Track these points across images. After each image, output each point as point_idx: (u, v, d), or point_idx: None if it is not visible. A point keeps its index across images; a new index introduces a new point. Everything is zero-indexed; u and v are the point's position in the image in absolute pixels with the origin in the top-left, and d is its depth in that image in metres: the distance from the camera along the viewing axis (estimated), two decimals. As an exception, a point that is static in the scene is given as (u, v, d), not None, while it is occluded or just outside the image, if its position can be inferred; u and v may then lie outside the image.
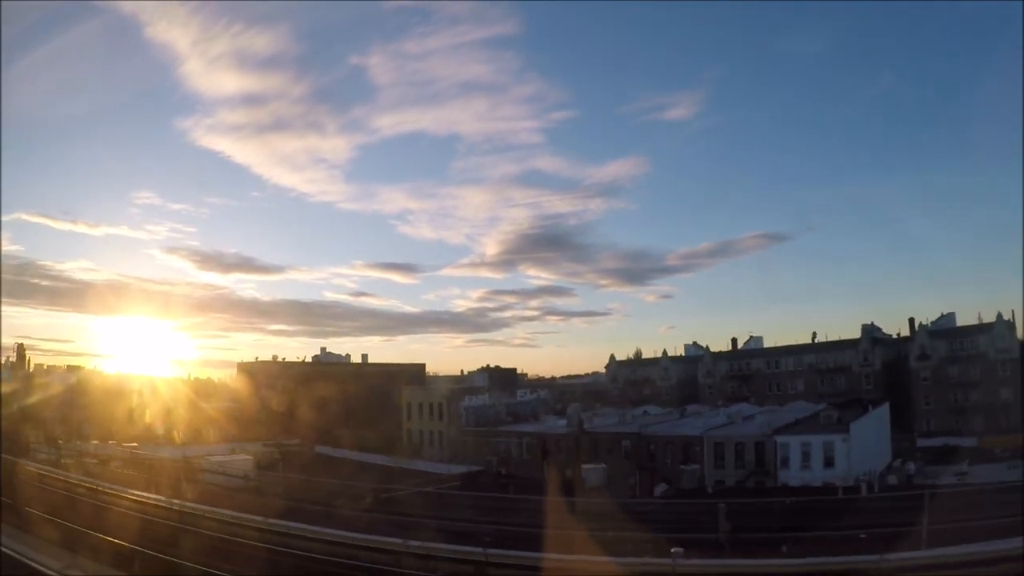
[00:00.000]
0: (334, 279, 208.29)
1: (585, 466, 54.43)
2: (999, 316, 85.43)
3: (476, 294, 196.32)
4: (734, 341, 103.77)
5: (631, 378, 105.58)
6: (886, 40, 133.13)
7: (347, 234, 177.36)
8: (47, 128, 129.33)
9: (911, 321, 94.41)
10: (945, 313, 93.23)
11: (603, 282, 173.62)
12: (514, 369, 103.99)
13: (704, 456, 63.91)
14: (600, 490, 50.08)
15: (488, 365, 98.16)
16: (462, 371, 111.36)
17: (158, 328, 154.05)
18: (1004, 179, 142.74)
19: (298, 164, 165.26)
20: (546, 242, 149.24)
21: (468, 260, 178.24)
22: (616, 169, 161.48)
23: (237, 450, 70.11)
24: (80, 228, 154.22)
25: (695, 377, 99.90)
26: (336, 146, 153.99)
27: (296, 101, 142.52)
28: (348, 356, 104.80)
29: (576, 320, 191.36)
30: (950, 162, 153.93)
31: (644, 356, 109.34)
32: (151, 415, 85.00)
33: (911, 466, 64.44)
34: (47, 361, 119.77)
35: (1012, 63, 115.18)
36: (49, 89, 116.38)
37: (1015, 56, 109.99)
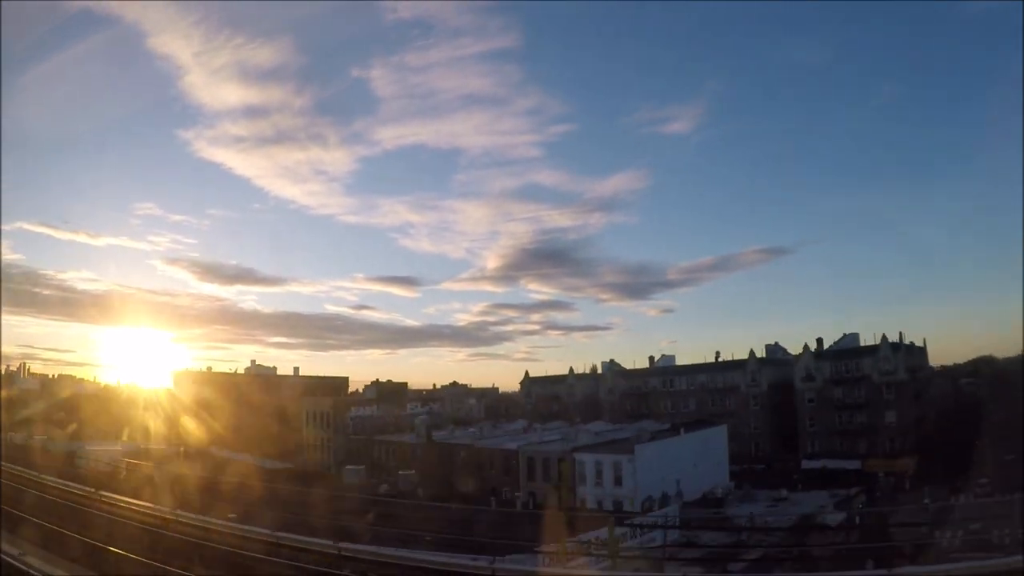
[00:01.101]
0: (335, 292, 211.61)
1: (348, 467, 58.75)
2: (883, 338, 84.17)
3: (477, 308, 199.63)
4: (650, 359, 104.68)
5: (542, 394, 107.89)
6: (886, 49, 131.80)
7: (348, 247, 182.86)
8: (49, 138, 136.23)
9: (819, 341, 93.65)
10: (848, 333, 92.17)
11: (604, 296, 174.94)
12: (404, 384, 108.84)
13: (519, 468, 67.01)
14: (354, 487, 54.97)
15: (377, 380, 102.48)
16: (468, 385, 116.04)
17: (159, 339, 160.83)
18: (1011, 187, 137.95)
19: (299, 176, 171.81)
20: (547, 256, 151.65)
21: (469, 274, 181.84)
22: (616, 183, 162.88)
23: (138, 448, 78.63)
24: (81, 238, 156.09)
25: (597, 395, 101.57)
26: (337, 158, 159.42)
27: (298, 113, 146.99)
28: (275, 368, 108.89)
29: (577, 334, 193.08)
30: (953, 170, 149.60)
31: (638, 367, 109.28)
32: (99, 418, 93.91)
33: (719, 489, 65.80)
34: (50, 371, 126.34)
35: (1015, 68, 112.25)
36: (51, 100, 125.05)
37: (1017, 60, 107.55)
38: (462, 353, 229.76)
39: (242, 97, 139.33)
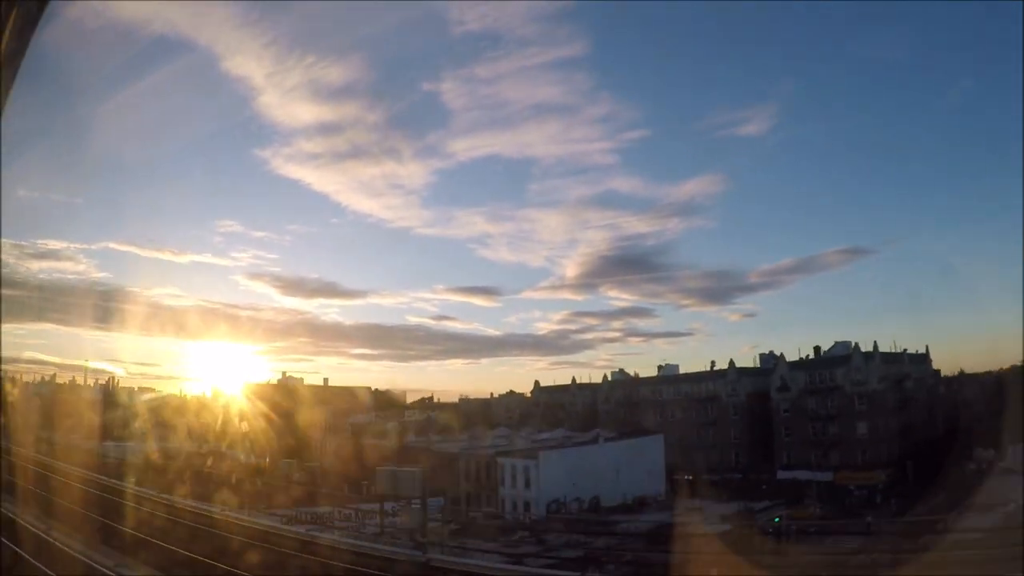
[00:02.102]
0: (415, 303, 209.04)
1: (286, 459, 68.39)
2: (855, 347, 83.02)
3: (557, 316, 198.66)
4: (658, 368, 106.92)
5: (549, 402, 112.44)
6: (966, 43, 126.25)
7: (427, 258, 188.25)
8: (132, 162, 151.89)
9: (816, 349, 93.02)
10: (839, 341, 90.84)
11: (685, 302, 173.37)
12: (403, 392, 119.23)
13: (459, 469, 73.49)
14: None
15: (374, 389, 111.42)
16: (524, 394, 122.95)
17: (242, 352, 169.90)
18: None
19: (376, 190, 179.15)
20: (625, 263, 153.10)
21: (548, 283, 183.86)
22: (693, 187, 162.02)
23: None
24: (166, 256, 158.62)
25: (596, 404, 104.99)
26: (412, 172, 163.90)
27: (371, 128, 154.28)
28: (302, 379, 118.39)
29: (658, 341, 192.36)
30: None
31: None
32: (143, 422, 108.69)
33: (649, 496, 69.25)
34: (136, 383, 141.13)
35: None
36: (133, 125, 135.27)
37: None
38: (544, 362, 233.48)
39: (316, 114, 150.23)
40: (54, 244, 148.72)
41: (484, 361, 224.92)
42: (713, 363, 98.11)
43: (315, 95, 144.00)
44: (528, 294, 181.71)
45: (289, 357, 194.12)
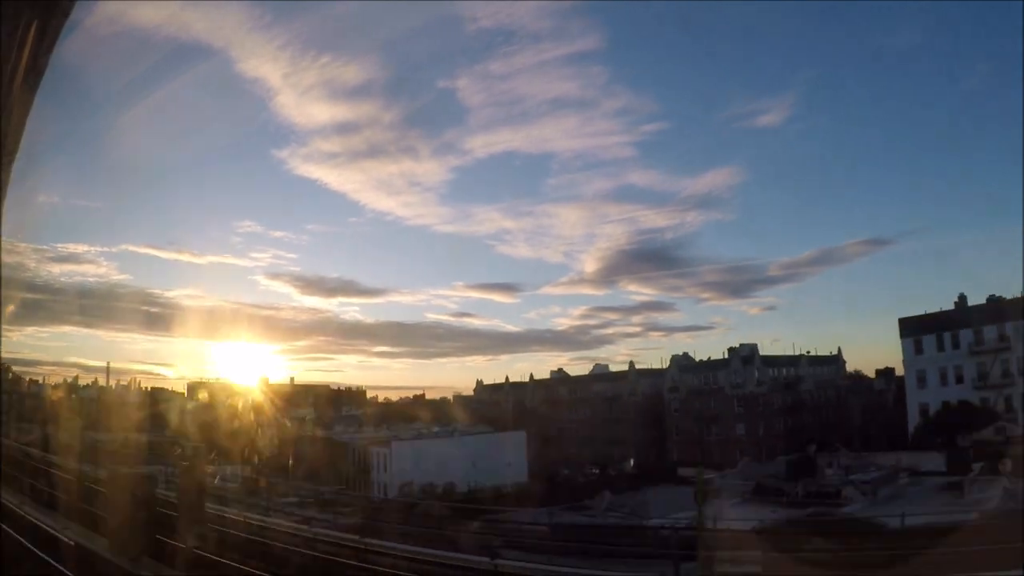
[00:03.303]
0: (435, 300, 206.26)
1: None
2: (732, 351, 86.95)
3: (577, 312, 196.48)
4: (594, 366, 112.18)
5: (487, 400, 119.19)
6: (989, 29, 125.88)
7: (446, 256, 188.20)
8: (152, 166, 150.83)
9: (730, 350, 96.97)
10: (744, 343, 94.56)
11: (705, 295, 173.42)
12: (342, 389, 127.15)
13: (346, 456, 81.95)
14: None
15: (310, 385, 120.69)
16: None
17: (264, 351, 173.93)
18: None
19: (394, 188, 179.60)
20: (645, 257, 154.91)
21: (567, 278, 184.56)
22: (711, 180, 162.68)
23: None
24: (186, 257, 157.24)
25: (524, 402, 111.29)
26: (430, 169, 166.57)
27: (388, 127, 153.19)
28: (292, 380, 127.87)
29: (679, 335, 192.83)
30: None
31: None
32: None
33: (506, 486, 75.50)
34: (154, 383, 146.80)
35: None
36: (151, 130, 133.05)
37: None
38: (564, 357, 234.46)
39: (332, 114, 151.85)
40: (75, 247, 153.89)
41: (504, 357, 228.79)
42: (632, 363, 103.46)
43: (331, 95, 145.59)
44: (547, 290, 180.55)
45: (310, 356, 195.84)
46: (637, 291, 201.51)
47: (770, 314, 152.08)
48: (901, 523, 27.43)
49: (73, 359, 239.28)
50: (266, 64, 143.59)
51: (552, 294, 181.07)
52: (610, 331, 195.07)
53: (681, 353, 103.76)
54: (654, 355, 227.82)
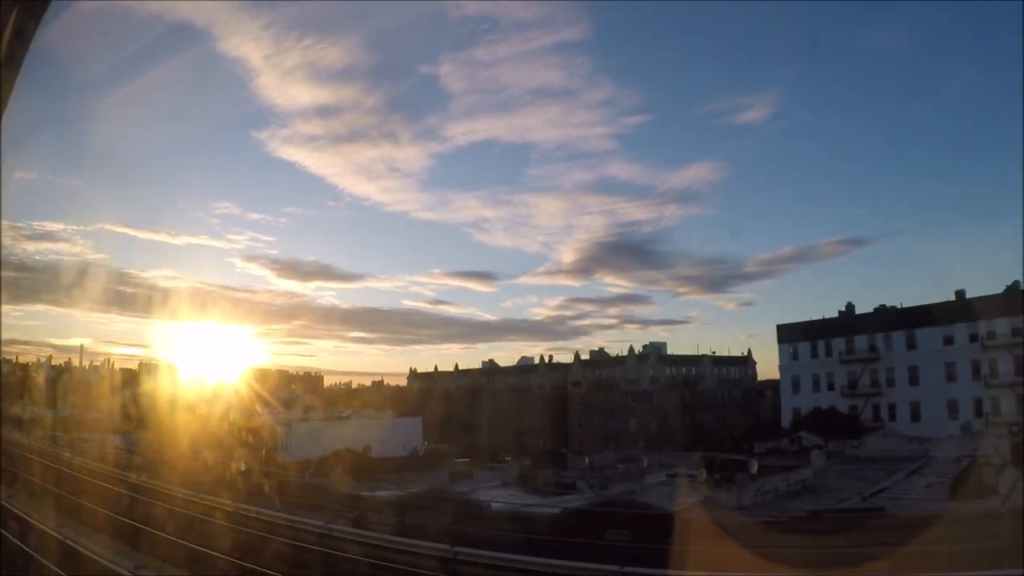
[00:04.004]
0: (412, 287, 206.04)
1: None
2: (630, 349, 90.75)
3: (554, 302, 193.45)
4: (521, 358, 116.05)
5: (420, 388, 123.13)
6: (973, 31, 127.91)
7: (424, 242, 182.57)
8: (129, 143, 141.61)
9: (630, 348, 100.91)
10: (653, 342, 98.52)
11: (682, 290, 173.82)
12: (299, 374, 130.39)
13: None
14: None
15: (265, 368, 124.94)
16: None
17: (239, 333, 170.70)
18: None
19: (373, 173, 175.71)
20: (623, 250, 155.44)
21: (545, 268, 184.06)
22: (692, 174, 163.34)
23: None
24: (162, 237, 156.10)
25: (447, 391, 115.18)
26: (410, 155, 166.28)
27: (369, 111, 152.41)
28: (252, 364, 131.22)
29: (655, 328, 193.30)
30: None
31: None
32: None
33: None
34: (131, 365, 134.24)
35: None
36: (130, 107, 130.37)
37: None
38: (540, 347, 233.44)
39: (314, 97, 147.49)
40: (51, 225, 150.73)
41: (480, 346, 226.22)
42: (543, 357, 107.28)
43: (313, 77, 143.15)
44: (524, 279, 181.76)
45: (286, 340, 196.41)
46: (614, 283, 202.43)
47: (747, 309, 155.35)
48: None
49: (48, 339, 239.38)
50: (248, 44, 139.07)
51: (529, 284, 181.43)
52: (586, 322, 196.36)
53: (598, 348, 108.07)
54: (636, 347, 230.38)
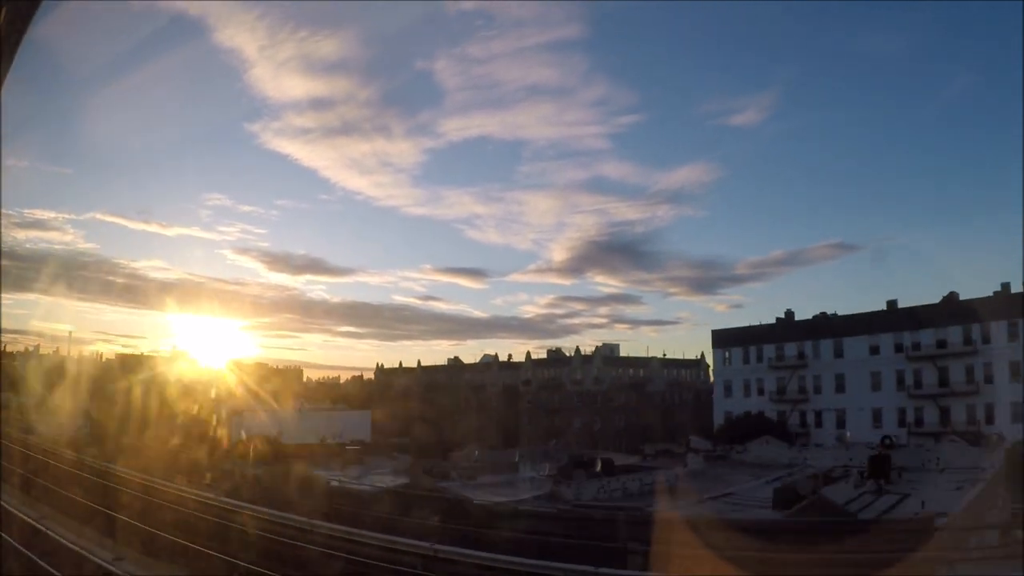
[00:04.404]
0: (402, 282, 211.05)
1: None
2: (576, 350, 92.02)
3: (544, 300, 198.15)
4: (484, 356, 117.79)
5: (384, 382, 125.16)
6: (966, 37, 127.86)
7: (415, 238, 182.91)
8: (121, 132, 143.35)
9: (576, 350, 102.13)
10: (606, 343, 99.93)
11: (672, 290, 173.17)
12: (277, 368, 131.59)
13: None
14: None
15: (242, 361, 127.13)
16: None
17: (229, 326, 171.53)
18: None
19: (366, 168, 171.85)
20: (614, 249, 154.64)
21: (536, 266, 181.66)
22: (685, 175, 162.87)
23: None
24: (153, 228, 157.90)
25: (405, 386, 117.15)
26: (403, 150, 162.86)
27: (363, 105, 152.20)
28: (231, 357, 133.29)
29: (645, 328, 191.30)
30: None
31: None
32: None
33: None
34: (120, 353, 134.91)
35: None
36: (123, 96, 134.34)
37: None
38: (530, 345, 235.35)
39: (308, 89, 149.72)
40: (42, 214, 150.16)
41: (469, 343, 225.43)
42: (496, 356, 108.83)
43: (307, 69, 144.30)
44: (515, 277, 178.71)
45: (275, 333, 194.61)
46: (605, 282, 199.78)
47: (737, 311, 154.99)
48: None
49: (37, 327, 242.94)
50: (243, 34, 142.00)
51: (520, 281, 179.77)
52: (576, 321, 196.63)
53: (555, 348, 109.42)
54: (629, 347, 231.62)
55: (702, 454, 51.88)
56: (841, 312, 79.20)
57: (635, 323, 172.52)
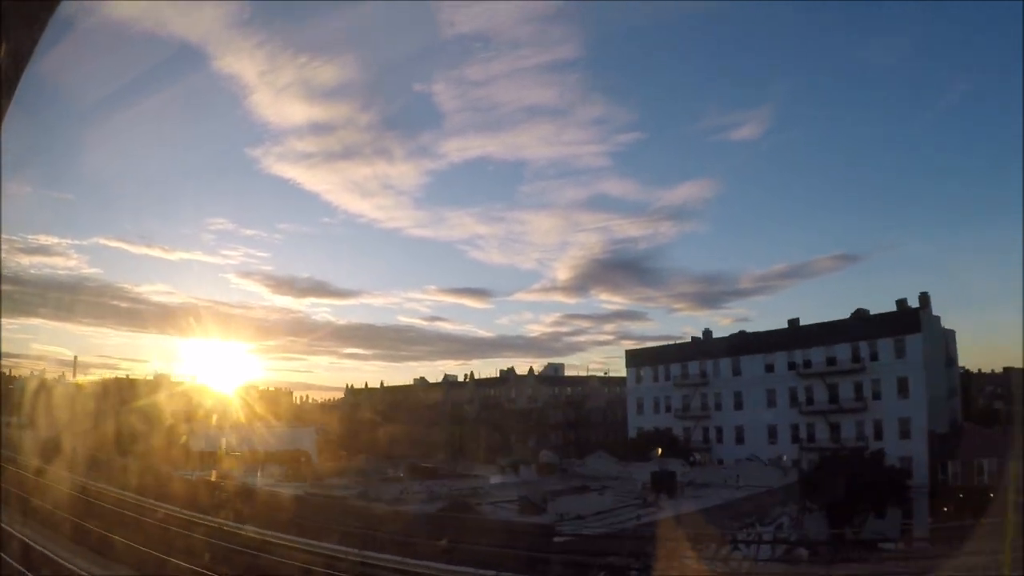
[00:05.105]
0: (407, 304, 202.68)
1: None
2: (511, 369, 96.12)
3: (550, 319, 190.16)
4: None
5: (352, 402, 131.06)
6: (963, 47, 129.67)
7: (419, 259, 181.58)
8: (123, 158, 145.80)
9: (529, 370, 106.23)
10: (552, 363, 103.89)
11: (677, 306, 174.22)
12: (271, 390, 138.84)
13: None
14: None
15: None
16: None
17: (234, 349, 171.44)
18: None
19: (368, 191, 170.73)
20: (618, 266, 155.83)
21: (540, 285, 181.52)
22: (686, 191, 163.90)
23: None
24: (156, 252, 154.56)
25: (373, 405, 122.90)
26: (404, 172, 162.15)
27: (363, 129, 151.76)
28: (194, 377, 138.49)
29: (651, 344, 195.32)
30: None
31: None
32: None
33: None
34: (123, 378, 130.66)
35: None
36: (125, 123, 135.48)
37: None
38: (536, 364, 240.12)
39: (308, 114, 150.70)
40: (45, 239, 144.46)
41: (475, 362, 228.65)
42: (447, 375, 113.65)
43: (307, 95, 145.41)
44: (520, 296, 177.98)
45: (281, 356, 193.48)
46: (609, 300, 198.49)
47: (742, 325, 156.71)
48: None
49: (40, 351, 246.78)
50: (242, 61, 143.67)
51: (525, 300, 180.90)
52: (582, 339, 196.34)
53: (508, 368, 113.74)
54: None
55: (542, 467, 55.80)
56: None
57: (641, 339, 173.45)
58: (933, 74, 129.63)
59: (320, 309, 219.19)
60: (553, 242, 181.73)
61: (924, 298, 73.86)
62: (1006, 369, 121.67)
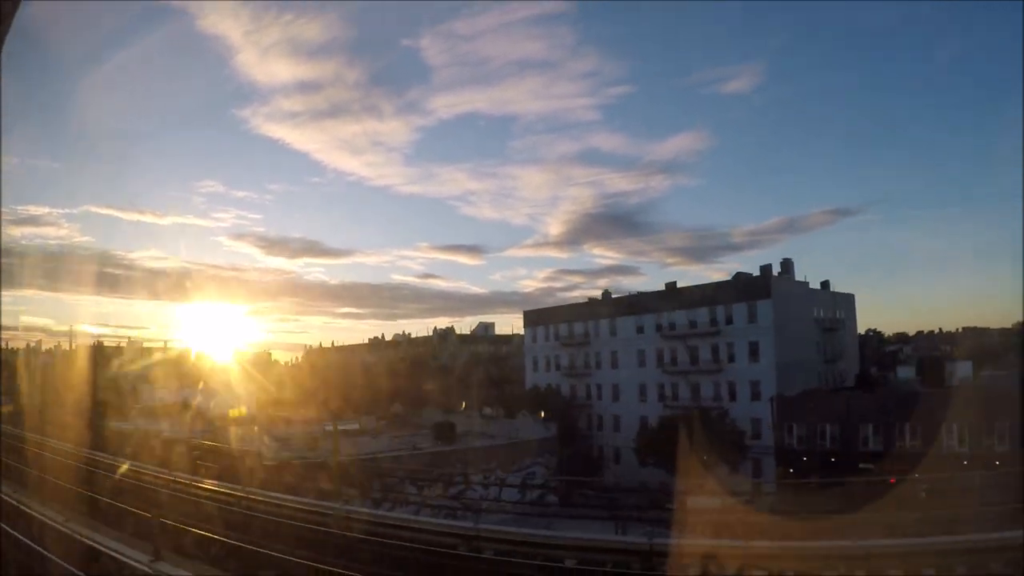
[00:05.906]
0: (400, 261, 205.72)
1: None
2: (434, 329, 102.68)
3: (542, 274, 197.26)
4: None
5: (317, 363, 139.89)
6: (960, 11, 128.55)
7: (410, 216, 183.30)
8: (111, 124, 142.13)
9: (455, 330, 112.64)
10: (483, 321, 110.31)
11: (670, 260, 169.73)
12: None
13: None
14: None
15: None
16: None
17: (229, 312, 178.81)
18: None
19: (357, 148, 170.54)
20: (610, 221, 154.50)
21: (532, 240, 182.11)
22: (677, 145, 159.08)
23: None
24: (148, 218, 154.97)
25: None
26: (393, 129, 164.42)
27: (351, 86, 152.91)
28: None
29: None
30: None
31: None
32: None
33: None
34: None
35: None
36: (111, 88, 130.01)
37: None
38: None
39: (294, 73, 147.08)
40: (35, 209, 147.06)
41: (468, 319, 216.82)
42: (408, 333, 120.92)
43: (293, 53, 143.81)
44: (512, 252, 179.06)
45: (275, 317, 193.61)
46: (602, 254, 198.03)
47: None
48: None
49: (37, 322, 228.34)
50: (227, 20, 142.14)
51: (517, 256, 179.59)
52: (575, 294, 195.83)
53: (445, 327, 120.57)
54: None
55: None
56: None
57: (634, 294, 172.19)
58: (929, 28, 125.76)
59: (314, 269, 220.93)
60: (545, 197, 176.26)
61: (786, 263, 77.42)
62: (918, 333, 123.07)
